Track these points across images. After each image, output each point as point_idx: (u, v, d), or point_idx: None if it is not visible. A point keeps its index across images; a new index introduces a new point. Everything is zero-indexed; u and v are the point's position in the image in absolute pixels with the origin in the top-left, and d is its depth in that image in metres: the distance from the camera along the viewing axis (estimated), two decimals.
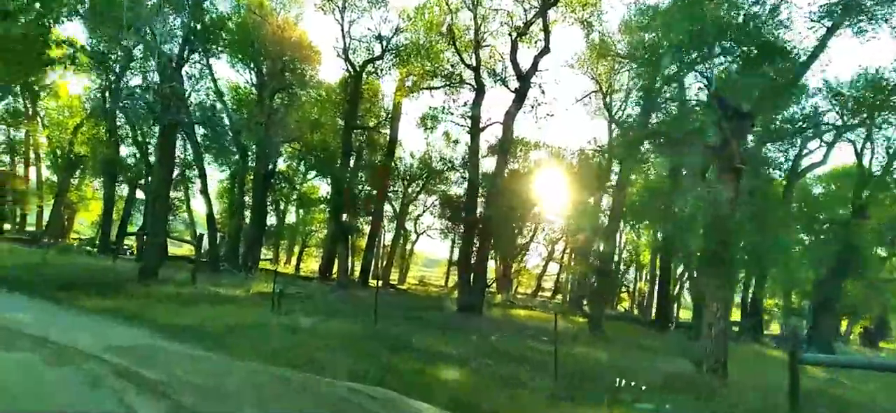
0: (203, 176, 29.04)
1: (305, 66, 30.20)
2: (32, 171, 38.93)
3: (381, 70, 29.19)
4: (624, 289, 47.02)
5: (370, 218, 33.93)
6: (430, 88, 31.50)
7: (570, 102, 43.02)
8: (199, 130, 26.90)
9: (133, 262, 25.60)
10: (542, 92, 24.79)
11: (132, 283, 16.75)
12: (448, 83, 26.29)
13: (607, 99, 30.92)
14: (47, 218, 37.54)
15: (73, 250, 25.63)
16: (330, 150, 31.07)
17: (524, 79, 24.40)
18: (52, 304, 12.81)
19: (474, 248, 23.80)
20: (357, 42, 28.35)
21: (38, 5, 27.21)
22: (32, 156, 38.69)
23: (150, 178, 29.07)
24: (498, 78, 24.93)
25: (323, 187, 42.07)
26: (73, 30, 52.86)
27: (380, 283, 36.12)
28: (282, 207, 41.23)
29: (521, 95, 24.54)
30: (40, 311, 11.98)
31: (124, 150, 33.55)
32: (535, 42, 24.58)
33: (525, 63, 24.76)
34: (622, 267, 45.08)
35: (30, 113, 36.88)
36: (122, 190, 36.36)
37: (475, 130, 25.03)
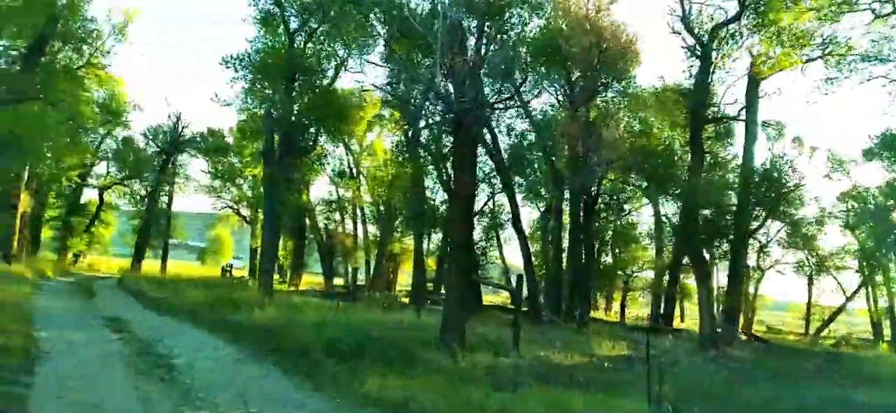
0: (514, 205, 24.11)
1: (627, 53, 23.18)
2: (360, 227, 40.11)
3: (738, 36, 20.59)
4: None
5: (729, 246, 24.78)
6: (807, 60, 21.91)
7: None
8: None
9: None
10: None
11: (432, 346, 11.72)
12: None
13: None
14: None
15: (382, 303, 22.87)
16: (671, 157, 23.19)
17: None
18: (310, 388, 8.10)
19: None
20: (699, 5, 20.49)
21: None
22: (358, 213, 39.83)
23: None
24: None
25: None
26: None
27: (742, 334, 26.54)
28: (604, 242, 34.32)
29: None
30: (282, 407, 7.26)
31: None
32: None
33: None
34: None
35: (354, 173, 38.12)
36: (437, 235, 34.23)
37: None
